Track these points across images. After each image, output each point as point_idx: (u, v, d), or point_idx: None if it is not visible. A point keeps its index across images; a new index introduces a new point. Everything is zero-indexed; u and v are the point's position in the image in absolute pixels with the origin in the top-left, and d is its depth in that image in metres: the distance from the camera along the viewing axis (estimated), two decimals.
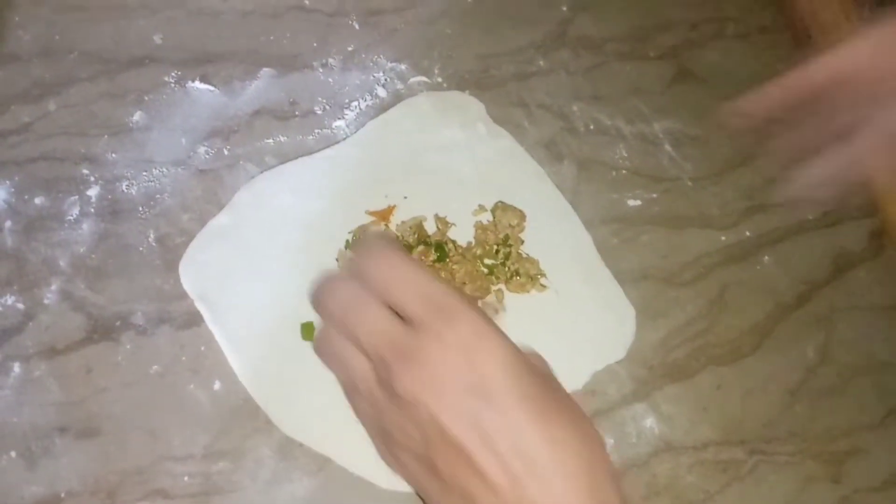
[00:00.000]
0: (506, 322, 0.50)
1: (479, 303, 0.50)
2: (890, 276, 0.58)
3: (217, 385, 0.46)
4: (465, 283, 0.49)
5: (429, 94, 0.55)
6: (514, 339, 0.49)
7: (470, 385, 0.30)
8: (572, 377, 0.49)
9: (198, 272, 0.48)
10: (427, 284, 0.32)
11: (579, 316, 0.50)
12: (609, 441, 0.49)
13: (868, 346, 0.56)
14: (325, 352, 0.35)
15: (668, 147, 0.58)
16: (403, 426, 0.32)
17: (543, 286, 0.51)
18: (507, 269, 0.50)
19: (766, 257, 0.56)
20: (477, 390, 0.30)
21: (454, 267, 0.50)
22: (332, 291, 0.34)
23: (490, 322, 0.32)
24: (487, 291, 0.50)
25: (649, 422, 0.49)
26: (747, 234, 0.56)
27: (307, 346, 0.47)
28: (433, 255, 0.49)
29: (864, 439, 0.52)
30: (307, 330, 0.47)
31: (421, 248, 0.49)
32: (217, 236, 0.49)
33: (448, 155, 0.53)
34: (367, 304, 0.32)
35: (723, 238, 0.56)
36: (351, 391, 0.34)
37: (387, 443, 0.33)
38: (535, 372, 0.32)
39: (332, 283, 0.34)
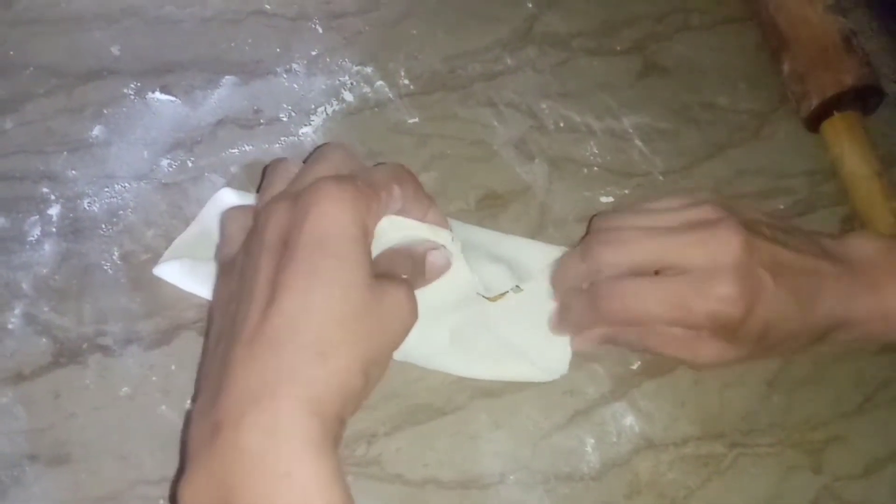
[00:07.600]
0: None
1: None
2: None
3: (189, 404, 0.45)
4: None
5: None
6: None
7: None
8: (547, 375, 0.49)
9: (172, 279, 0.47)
10: None
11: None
12: (590, 441, 0.48)
13: None
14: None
15: (638, 142, 0.57)
16: None
17: (519, 289, 0.50)
18: None
19: None
20: None
21: None
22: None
23: None
24: None
25: (629, 420, 0.49)
26: None
27: None
28: None
29: (843, 427, 0.52)
30: None
31: None
32: (185, 251, 0.48)
33: None
34: None
35: None
36: None
37: None
38: None
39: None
